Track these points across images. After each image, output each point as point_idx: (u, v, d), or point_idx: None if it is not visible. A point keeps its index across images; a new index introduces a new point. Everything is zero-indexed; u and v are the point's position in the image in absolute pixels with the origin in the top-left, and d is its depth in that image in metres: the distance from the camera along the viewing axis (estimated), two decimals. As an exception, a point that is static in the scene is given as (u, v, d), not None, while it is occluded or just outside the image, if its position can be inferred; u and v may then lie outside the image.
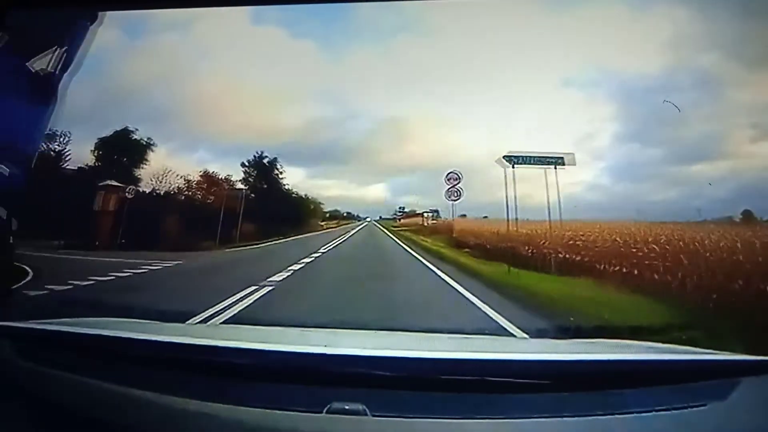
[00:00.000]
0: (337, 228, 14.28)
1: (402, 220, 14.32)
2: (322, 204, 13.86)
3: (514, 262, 6.36)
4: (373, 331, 2.37)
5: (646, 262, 5.05)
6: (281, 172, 11.80)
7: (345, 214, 15.85)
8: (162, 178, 8.86)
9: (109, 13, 3.36)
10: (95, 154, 8.28)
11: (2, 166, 2.75)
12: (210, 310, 3.88)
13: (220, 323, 3.69)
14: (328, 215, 14.63)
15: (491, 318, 3.86)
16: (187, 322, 3.25)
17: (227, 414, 1.00)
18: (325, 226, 14.26)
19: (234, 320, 3.70)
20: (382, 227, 14.17)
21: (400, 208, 14.50)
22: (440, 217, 12.68)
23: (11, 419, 1.05)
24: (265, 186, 11.46)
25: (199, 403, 1.03)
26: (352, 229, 13.94)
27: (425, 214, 13.47)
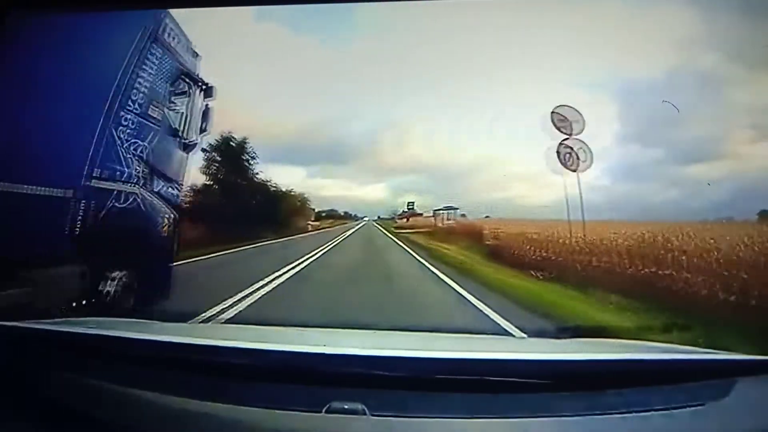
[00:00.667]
0: (332, 229, 12.87)
1: (405, 221, 12.73)
2: (310, 201, 11.90)
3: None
4: (372, 331, 2.37)
5: None
6: (252, 158, 9.27)
7: (343, 214, 14.62)
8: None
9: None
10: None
11: (173, 186, 4.40)
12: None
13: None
14: (324, 214, 13.51)
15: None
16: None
17: (226, 414, 1.00)
18: (313, 228, 12.29)
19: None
20: (383, 229, 13.06)
21: (409, 204, 12.90)
22: (456, 217, 11.20)
23: (11, 419, 1.05)
24: (233, 177, 9.13)
25: (199, 402, 1.03)
26: (348, 231, 12.46)
27: (440, 213, 11.46)
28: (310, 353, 1.23)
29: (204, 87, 4.66)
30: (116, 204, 3.56)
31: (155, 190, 4.12)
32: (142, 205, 3.88)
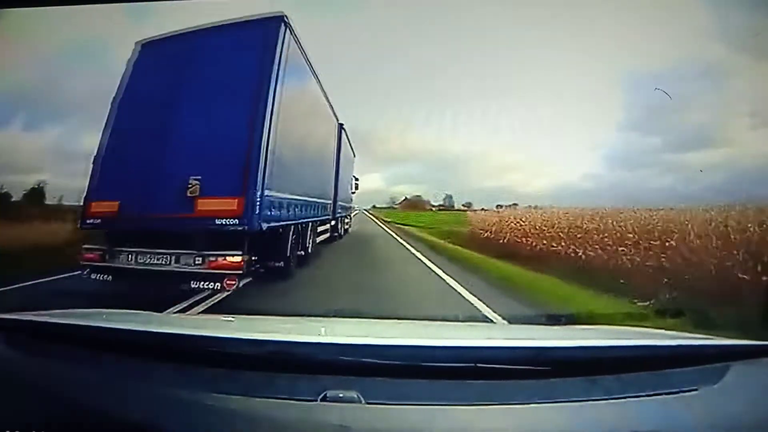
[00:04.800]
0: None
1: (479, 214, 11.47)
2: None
3: None
4: (367, 320, 2.37)
5: None
6: None
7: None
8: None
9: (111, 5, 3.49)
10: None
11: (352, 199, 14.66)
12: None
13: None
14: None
15: None
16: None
17: (219, 403, 0.99)
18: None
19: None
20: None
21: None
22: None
23: (12, 412, 1.03)
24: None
25: (193, 392, 1.02)
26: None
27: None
28: (304, 342, 1.23)
29: (356, 178, 13.48)
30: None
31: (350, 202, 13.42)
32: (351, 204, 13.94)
